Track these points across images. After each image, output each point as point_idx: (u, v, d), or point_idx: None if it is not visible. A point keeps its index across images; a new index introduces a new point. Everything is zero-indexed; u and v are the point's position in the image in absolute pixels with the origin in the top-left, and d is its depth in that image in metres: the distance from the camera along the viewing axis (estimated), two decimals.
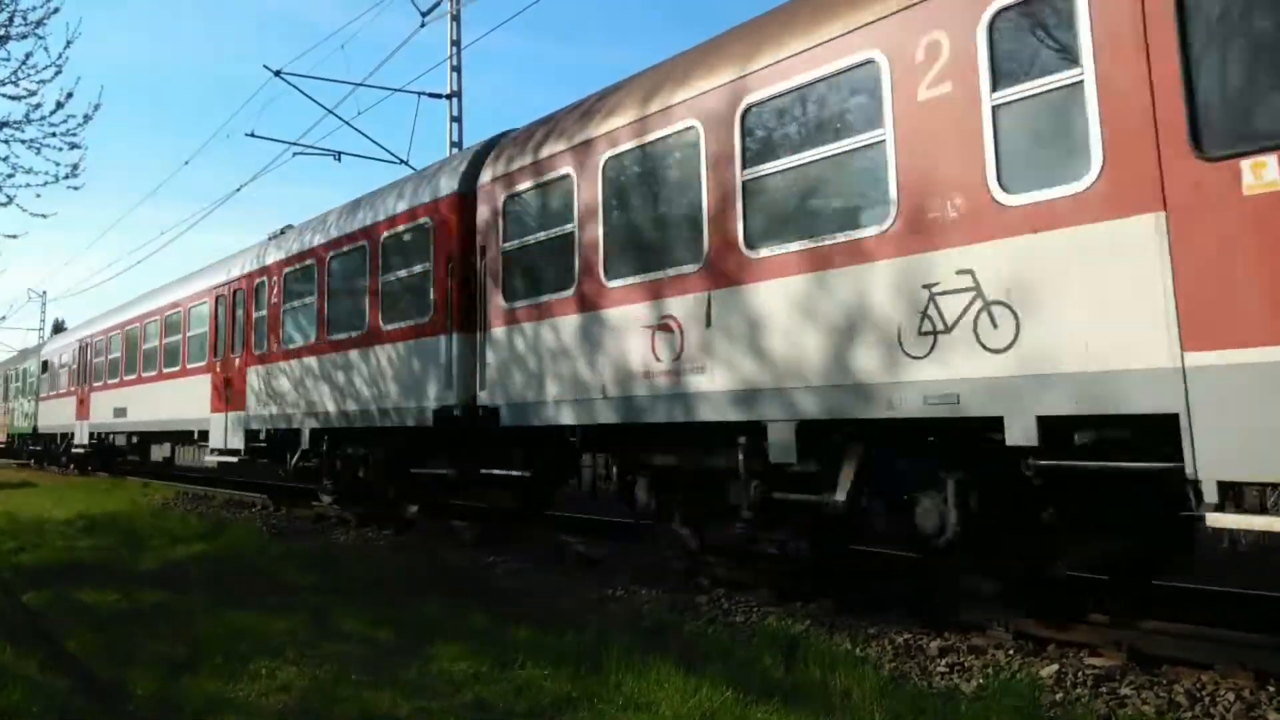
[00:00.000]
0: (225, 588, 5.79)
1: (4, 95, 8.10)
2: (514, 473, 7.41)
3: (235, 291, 12.13)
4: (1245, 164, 3.28)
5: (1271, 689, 3.68)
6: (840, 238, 4.66)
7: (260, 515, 11.27)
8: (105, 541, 8.33)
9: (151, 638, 4.58)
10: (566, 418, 6.41)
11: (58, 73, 8.21)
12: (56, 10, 8.10)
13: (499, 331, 7.16)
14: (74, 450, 20.70)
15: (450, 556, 7.54)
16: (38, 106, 8.36)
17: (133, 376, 16.74)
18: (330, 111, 14.92)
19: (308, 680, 3.83)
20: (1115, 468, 3.82)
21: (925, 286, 4.22)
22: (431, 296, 7.86)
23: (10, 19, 7.92)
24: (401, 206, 8.53)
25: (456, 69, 15.46)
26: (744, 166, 5.19)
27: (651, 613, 5.28)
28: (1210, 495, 3.33)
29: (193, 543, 8.00)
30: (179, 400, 13.94)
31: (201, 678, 3.86)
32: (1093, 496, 4.20)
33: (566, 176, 6.57)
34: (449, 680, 3.85)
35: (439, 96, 15.39)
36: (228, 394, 12.01)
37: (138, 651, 4.29)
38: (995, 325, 3.95)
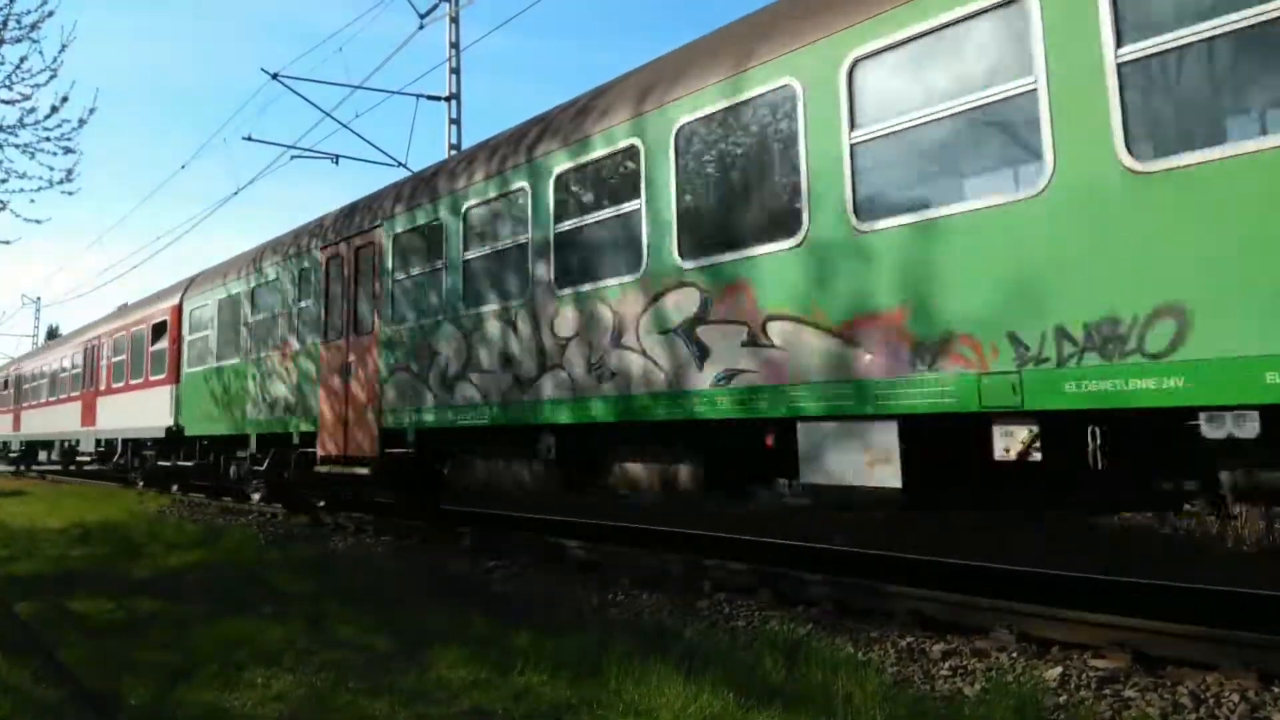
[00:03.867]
0: (221, 595, 5.74)
1: None
2: None
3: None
4: None
5: (1276, 690, 3.66)
6: None
7: (257, 522, 11.20)
8: (100, 550, 8.27)
9: (146, 647, 4.53)
10: None
11: (52, 76, 8.21)
12: (51, 14, 8.08)
13: None
14: None
15: (449, 562, 7.50)
16: (32, 110, 8.34)
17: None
18: (327, 114, 14.91)
19: (304, 688, 3.79)
20: None
21: None
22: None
23: (4, 22, 7.90)
24: None
25: (455, 71, 15.49)
26: None
27: (652, 617, 5.24)
28: None
29: (188, 550, 7.94)
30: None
31: (197, 687, 3.81)
32: None
33: None
34: (447, 687, 3.80)
35: (437, 99, 15.40)
36: None
37: (132, 661, 4.23)
38: None
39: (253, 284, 11.57)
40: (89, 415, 17.99)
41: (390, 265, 8.56)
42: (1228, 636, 4.09)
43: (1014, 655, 4.27)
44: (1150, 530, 8.19)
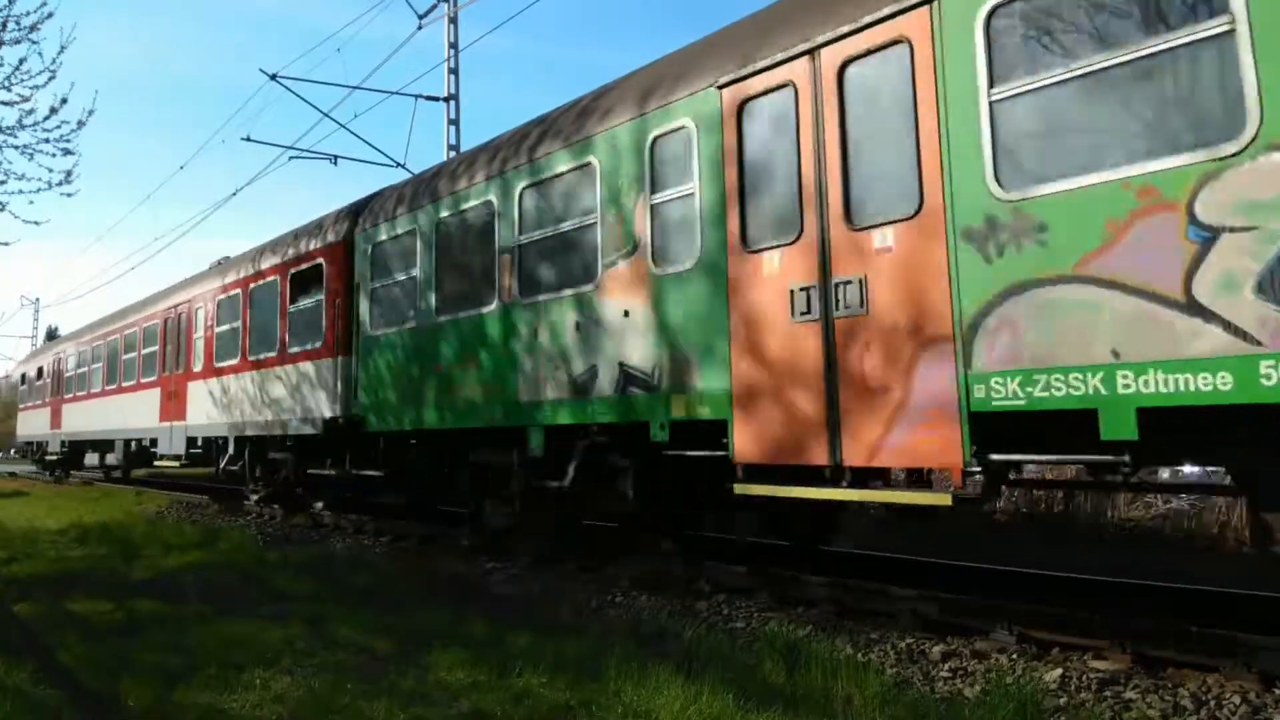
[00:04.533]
0: (220, 597, 5.73)
1: None
2: None
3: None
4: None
5: (1278, 691, 3.66)
6: None
7: (255, 523, 11.19)
8: (99, 551, 8.26)
9: (145, 648, 4.52)
10: None
11: (51, 78, 8.20)
12: (50, 15, 8.08)
13: None
14: None
15: (447, 564, 7.49)
16: (31, 112, 8.36)
17: None
18: (326, 115, 14.90)
19: (303, 690, 3.78)
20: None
21: None
22: None
23: (4, 24, 7.90)
24: None
25: (454, 72, 15.53)
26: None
27: (651, 619, 5.24)
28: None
29: (187, 551, 7.93)
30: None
31: (195, 689, 3.81)
32: None
33: None
34: (446, 689, 3.80)
35: (436, 99, 15.42)
36: None
37: (131, 662, 4.22)
38: None
39: (522, 185, 7.01)
40: (174, 406, 13.49)
41: (988, 69, 4.28)
42: (1229, 638, 4.08)
43: (1014, 656, 4.26)
44: (1153, 531, 8.19)
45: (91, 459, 18.82)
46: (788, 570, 6.07)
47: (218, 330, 12.23)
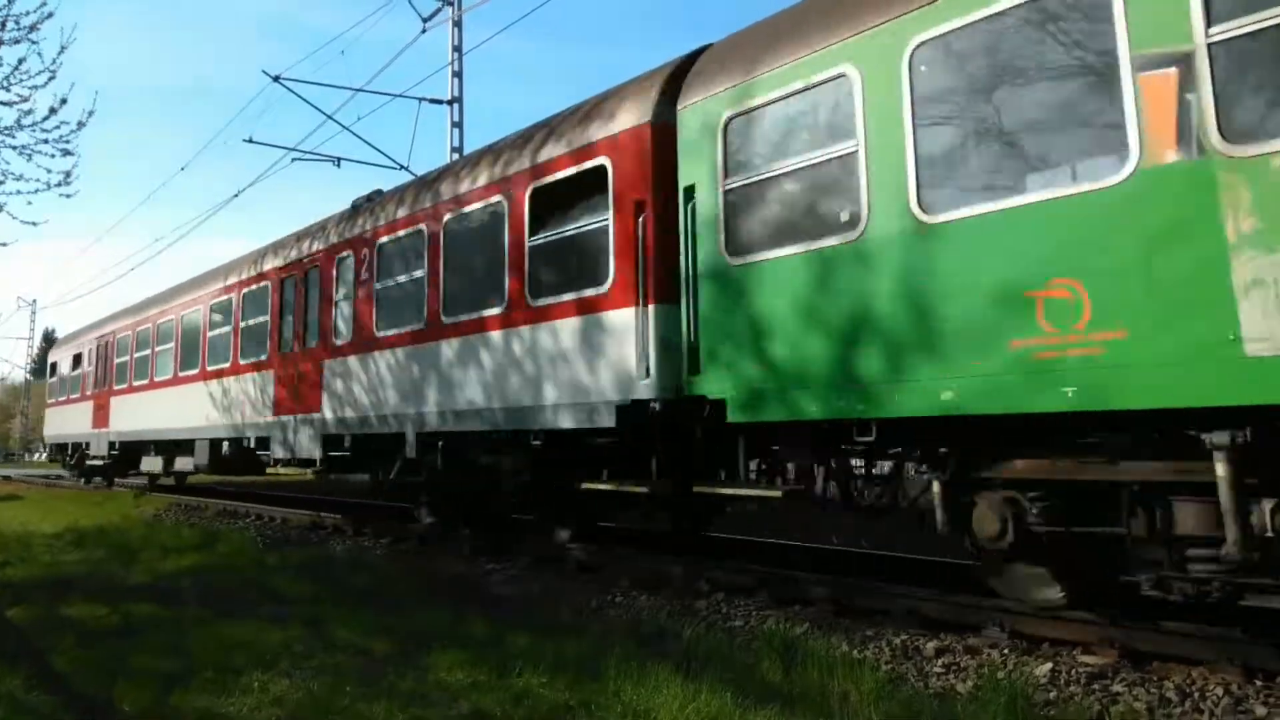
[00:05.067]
0: (218, 599, 5.73)
1: None
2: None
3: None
4: None
5: (1259, 683, 3.72)
6: None
7: (254, 525, 11.18)
8: (95, 554, 8.24)
9: (142, 652, 4.52)
10: None
11: (51, 78, 8.16)
12: (50, 15, 8.04)
13: None
14: None
15: (447, 564, 7.51)
16: (29, 112, 8.30)
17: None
18: (329, 117, 14.83)
19: (302, 692, 3.80)
20: None
21: None
22: None
23: (3, 24, 7.86)
24: None
25: (458, 74, 15.52)
26: None
27: (651, 618, 5.27)
28: None
29: (185, 554, 7.92)
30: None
31: (192, 692, 3.81)
32: None
33: None
34: (446, 690, 3.83)
35: (439, 102, 15.40)
36: None
37: (127, 667, 4.22)
38: None
39: None
40: (298, 394, 10.26)
41: None
42: (1213, 633, 4.15)
43: (1005, 652, 4.32)
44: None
45: (152, 464, 15.19)
46: (782, 569, 6.09)
47: (379, 287, 8.99)
